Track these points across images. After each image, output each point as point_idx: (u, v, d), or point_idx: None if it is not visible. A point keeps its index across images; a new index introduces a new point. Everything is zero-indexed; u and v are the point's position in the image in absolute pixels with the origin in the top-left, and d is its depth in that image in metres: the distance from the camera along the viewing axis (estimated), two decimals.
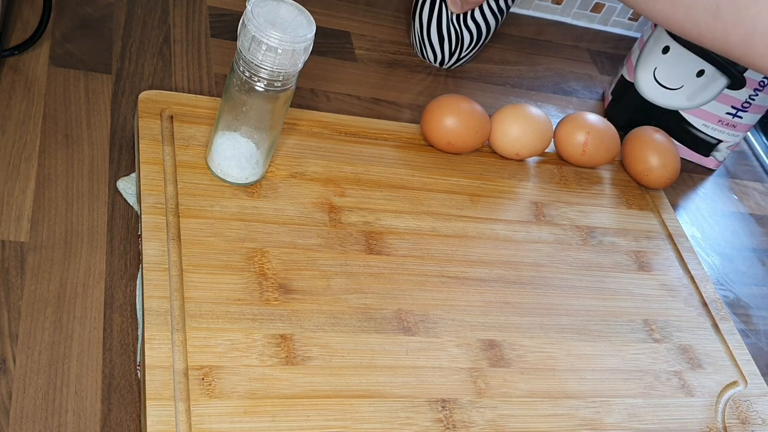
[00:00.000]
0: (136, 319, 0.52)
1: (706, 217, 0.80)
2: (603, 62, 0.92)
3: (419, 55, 0.81)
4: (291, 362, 0.50)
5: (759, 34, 0.42)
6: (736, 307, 0.71)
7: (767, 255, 0.78)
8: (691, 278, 0.68)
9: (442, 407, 0.52)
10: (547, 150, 0.72)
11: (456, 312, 0.57)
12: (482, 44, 0.79)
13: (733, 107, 0.79)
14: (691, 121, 0.81)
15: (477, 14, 0.76)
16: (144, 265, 0.51)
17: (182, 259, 0.52)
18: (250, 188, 0.59)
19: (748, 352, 0.64)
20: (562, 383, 0.56)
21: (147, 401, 0.45)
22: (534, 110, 0.70)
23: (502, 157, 0.71)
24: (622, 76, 0.83)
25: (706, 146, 0.83)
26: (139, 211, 0.55)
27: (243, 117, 0.55)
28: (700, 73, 0.77)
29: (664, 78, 0.79)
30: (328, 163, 0.63)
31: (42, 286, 0.51)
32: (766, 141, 0.91)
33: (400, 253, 0.59)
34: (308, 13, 0.52)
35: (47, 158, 0.58)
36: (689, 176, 0.83)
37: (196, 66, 0.69)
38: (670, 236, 0.71)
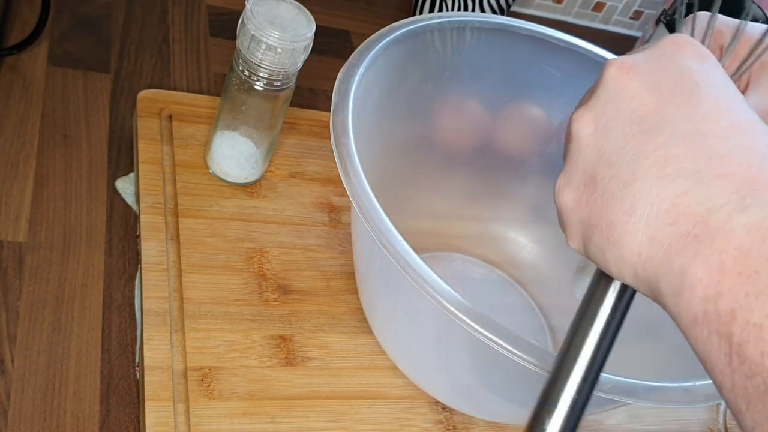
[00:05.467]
0: (135, 320, 0.51)
1: None
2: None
3: None
4: (290, 363, 0.50)
5: None
6: None
7: None
8: None
9: (443, 408, 0.51)
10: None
11: None
12: None
13: None
14: None
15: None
16: (143, 266, 0.51)
17: (181, 260, 0.52)
18: (249, 188, 0.58)
19: None
20: None
21: (146, 402, 0.45)
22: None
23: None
24: None
25: None
26: (137, 211, 0.55)
27: (242, 116, 0.55)
28: None
29: None
30: (328, 163, 0.63)
31: (40, 287, 0.51)
32: None
33: None
34: (308, 11, 0.51)
35: (46, 158, 0.58)
36: None
37: (195, 65, 0.69)
38: None
